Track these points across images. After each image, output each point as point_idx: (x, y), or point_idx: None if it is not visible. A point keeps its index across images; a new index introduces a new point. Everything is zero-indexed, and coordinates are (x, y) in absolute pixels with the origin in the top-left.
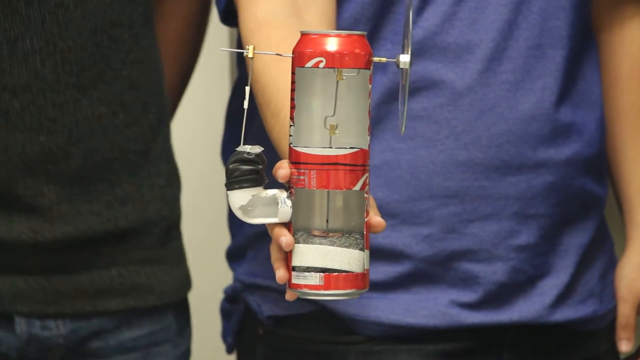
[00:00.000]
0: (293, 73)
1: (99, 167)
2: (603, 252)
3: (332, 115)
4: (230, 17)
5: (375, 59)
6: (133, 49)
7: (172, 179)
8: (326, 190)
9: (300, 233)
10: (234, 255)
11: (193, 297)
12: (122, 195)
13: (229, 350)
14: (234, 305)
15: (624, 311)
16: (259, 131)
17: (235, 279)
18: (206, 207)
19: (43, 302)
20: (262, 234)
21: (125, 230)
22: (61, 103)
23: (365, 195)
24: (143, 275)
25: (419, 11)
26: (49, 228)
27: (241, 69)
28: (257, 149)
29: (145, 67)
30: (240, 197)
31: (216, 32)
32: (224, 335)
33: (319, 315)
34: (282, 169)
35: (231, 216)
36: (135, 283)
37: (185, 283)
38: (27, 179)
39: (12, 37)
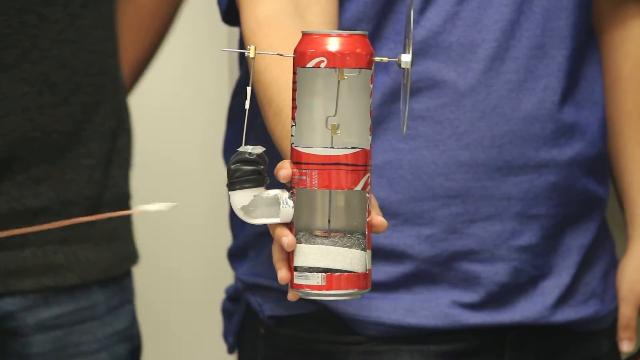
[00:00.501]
0: (294, 73)
1: (17, 146)
2: (604, 253)
3: (334, 115)
4: (231, 16)
5: (377, 58)
6: (66, 29)
7: (108, 159)
8: (328, 190)
9: (302, 233)
10: (235, 255)
11: (194, 297)
12: (38, 175)
13: (230, 350)
14: (236, 305)
15: (626, 311)
16: (260, 131)
17: (237, 278)
18: (207, 207)
19: None
20: (263, 234)
21: (37, 210)
22: None
23: (367, 195)
24: (61, 254)
25: (422, 11)
26: None
27: (242, 69)
28: (258, 149)
29: (79, 47)
30: (242, 198)
31: (216, 32)
32: (225, 335)
33: (321, 315)
34: (284, 169)
35: (232, 216)
36: (53, 263)
37: (121, 260)
38: None
39: None
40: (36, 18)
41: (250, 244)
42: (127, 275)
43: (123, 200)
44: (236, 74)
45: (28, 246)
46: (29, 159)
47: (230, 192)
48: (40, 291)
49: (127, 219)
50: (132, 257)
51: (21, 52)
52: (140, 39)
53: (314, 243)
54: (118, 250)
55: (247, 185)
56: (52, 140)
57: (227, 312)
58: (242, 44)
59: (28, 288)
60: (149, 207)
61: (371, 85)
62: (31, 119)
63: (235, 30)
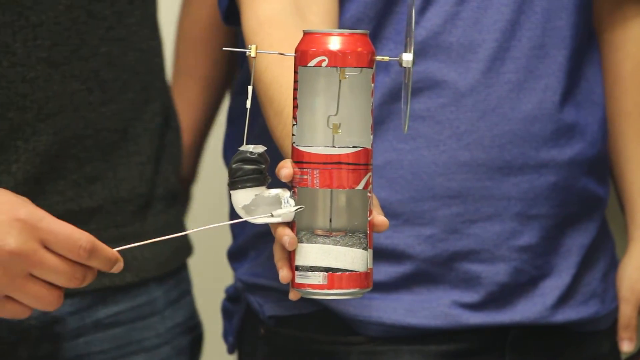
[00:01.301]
0: (296, 72)
1: (69, 144)
2: (605, 253)
3: (335, 114)
4: (232, 17)
5: (378, 57)
6: (114, 26)
7: (157, 156)
8: (329, 189)
9: (304, 232)
10: (235, 255)
11: (195, 297)
12: (92, 173)
13: (231, 350)
14: (236, 305)
15: (626, 311)
16: (262, 131)
17: (237, 278)
18: (208, 206)
19: None
20: (264, 234)
21: (92, 210)
22: (32, 78)
23: (369, 194)
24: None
25: (422, 11)
26: None
27: (243, 69)
28: (260, 149)
29: (127, 45)
30: (243, 197)
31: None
32: (225, 335)
33: (321, 315)
34: (285, 169)
35: (233, 216)
36: None
37: (176, 254)
38: None
39: None
40: (85, 14)
41: (250, 244)
42: (183, 267)
43: (174, 195)
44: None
45: None
46: (82, 157)
47: (231, 192)
48: (98, 291)
49: (179, 212)
50: (186, 249)
51: (71, 49)
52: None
53: (315, 242)
54: (172, 244)
55: (248, 185)
56: (102, 138)
57: (227, 313)
58: (242, 45)
59: (87, 289)
60: (281, 211)
61: (372, 85)
62: (82, 116)
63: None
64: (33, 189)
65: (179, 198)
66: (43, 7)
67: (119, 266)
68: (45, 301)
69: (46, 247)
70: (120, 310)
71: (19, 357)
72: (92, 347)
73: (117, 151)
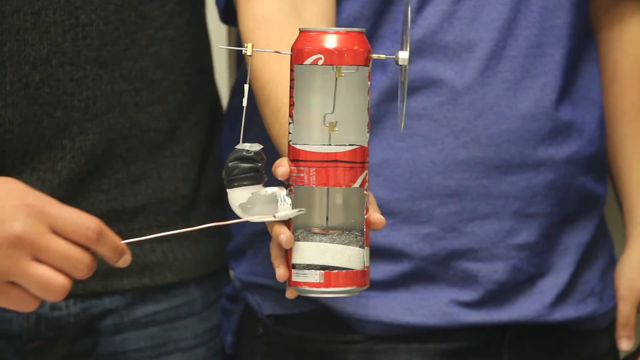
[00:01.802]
0: (292, 70)
1: (115, 144)
2: (603, 251)
3: (331, 113)
4: (229, 15)
5: (374, 55)
6: (163, 26)
7: (203, 157)
8: (326, 187)
9: (300, 230)
10: (233, 254)
11: None
12: (136, 173)
13: (230, 350)
14: (234, 305)
15: (624, 310)
16: (259, 130)
17: (235, 277)
18: None
19: None
20: (262, 233)
21: (135, 209)
22: (80, 77)
23: (365, 192)
24: (160, 253)
25: (419, 10)
26: None
27: (241, 68)
28: (256, 147)
29: (176, 46)
30: (239, 195)
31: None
32: (224, 335)
33: (319, 314)
34: (282, 167)
35: (231, 214)
36: (151, 261)
37: (217, 256)
38: (42, 154)
39: (36, 9)
40: (135, 15)
41: (248, 243)
42: (224, 270)
43: (218, 197)
44: (235, 74)
45: (127, 245)
46: (127, 156)
47: (228, 190)
48: (138, 290)
49: (221, 215)
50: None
51: (120, 49)
52: None
53: (312, 240)
54: (213, 246)
55: (244, 183)
56: (148, 138)
57: (226, 312)
58: (240, 44)
59: (127, 287)
60: (282, 213)
61: (369, 83)
62: (129, 116)
63: (234, 29)
64: (77, 187)
65: (223, 199)
66: (93, 6)
67: (126, 259)
68: (50, 288)
69: (54, 233)
70: (159, 309)
71: (56, 353)
72: (128, 345)
73: (162, 151)
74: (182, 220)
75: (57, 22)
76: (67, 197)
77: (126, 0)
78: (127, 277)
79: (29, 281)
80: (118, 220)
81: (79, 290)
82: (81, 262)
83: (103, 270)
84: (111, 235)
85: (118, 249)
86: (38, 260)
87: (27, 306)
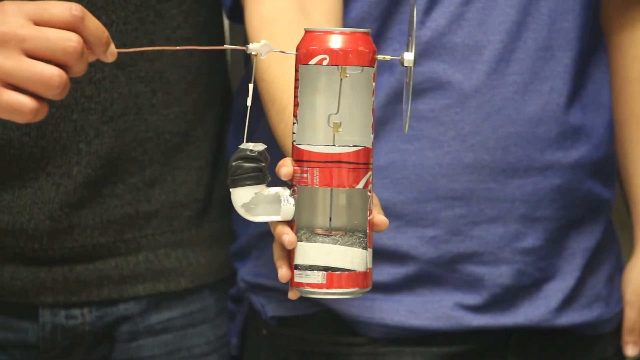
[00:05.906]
0: (297, 70)
1: (130, 147)
2: (610, 256)
3: (336, 113)
4: (236, 14)
5: (379, 56)
6: (181, 25)
7: (216, 160)
8: (329, 188)
9: (303, 231)
10: (238, 255)
11: None
12: (151, 177)
13: (234, 351)
14: (238, 306)
15: (631, 315)
16: (265, 130)
17: (240, 278)
18: None
19: (67, 292)
20: (266, 234)
21: (150, 214)
22: (98, 79)
23: (369, 193)
24: (174, 258)
25: (427, 12)
26: (67, 213)
27: (247, 67)
28: (260, 147)
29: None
30: (242, 195)
31: None
32: (229, 336)
33: (323, 316)
34: (285, 167)
35: (235, 215)
36: (165, 267)
37: (229, 261)
38: (58, 158)
39: None
40: (153, 14)
41: (253, 243)
42: (236, 275)
43: (230, 201)
44: (240, 73)
45: (141, 251)
46: (142, 160)
47: (231, 190)
48: (153, 296)
49: (226, 221)
50: None
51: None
52: None
53: (314, 241)
54: (228, 252)
55: (248, 183)
56: (163, 140)
57: (230, 313)
58: (246, 42)
59: (142, 293)
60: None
61: (374, 84)
62: (144, 119)
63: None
64: (92, 192)
65: None
66: (114, 6)
67: (112, 51)
68: (45, 78)
69: (36, 24)
70: (173, 316)
71: None
72: (142, 351)
73: (177, 154)
74: (195, 225)
75: None
76: (81, 202)
77: (145, 0)
78: (141, 283)
79: (22, 74)
80: (132, 226)
81: (94, 298)
82: (69, 40)
83: (117, 276)
84: (94, 19)
85: (103, 34)
86: (29, 55)
87: (23, 109)
